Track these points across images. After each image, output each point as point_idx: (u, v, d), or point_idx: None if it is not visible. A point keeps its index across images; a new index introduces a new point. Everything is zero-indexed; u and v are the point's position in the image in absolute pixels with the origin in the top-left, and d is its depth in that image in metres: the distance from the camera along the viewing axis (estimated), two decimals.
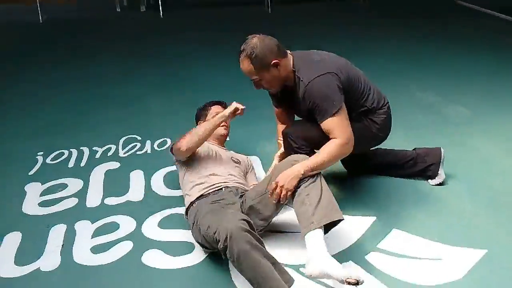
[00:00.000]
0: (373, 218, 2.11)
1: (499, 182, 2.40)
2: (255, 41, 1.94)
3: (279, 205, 1.84)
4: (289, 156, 1.97)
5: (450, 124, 3.09)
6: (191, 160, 2.09)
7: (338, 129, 1.91)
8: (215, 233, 1.60)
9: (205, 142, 2.14)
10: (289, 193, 1.76)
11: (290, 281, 1.59)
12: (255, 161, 2.56)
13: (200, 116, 2.35)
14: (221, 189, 1.99)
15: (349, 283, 1.51)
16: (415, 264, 1.85)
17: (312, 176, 1.78)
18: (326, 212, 1.69)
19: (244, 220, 1.60)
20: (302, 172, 1.77)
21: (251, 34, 2.03)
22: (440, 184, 2.36)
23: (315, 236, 1.65)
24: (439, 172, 2.35)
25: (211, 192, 1.97)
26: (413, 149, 2.46)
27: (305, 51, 2.12)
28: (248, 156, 2.41)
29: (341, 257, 1.80)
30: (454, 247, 1.92)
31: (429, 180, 2.39)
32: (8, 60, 4.74)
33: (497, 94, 3.56)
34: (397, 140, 2.85)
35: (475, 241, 1.95)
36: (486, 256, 1.86)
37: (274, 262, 1.58)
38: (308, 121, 2.05)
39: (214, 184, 2.00)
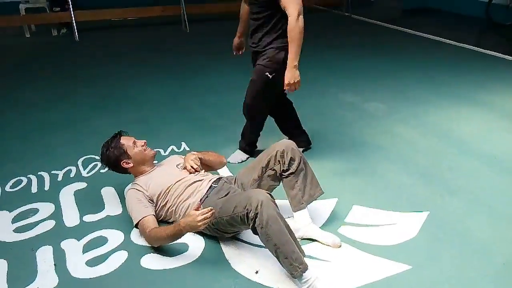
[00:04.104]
0: (335, 199, 2.44)
1: (424, 157, 2.92)
2: None
3: (271, 189, 2.19)
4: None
5: (373, 117, 3.60)
6: (162, 197, 2.15)
7: (291, 5, 2.32)
8: (245, 207, 1.79)
9: (145, 178, 2.21)
10: (297, 85, 2.48)
11: (303, 252, 1.88)
12: None
13: (119, 157, 2.21)
14: (211, 187, 2.16)
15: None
16: (377, 230, 2.21)
17: (299, 164, 2.12)
18: (311, 193, 2.13)
19: (268, 193, 1.84)
20: (295, 64, 2.42)
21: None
22: None
23: (304, 212, 2.09)
24: None
25: (206, 192, 2.13)
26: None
27: None
28: (175, 155, 2.52)
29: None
30: (404, 213, 2.34)
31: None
32: None
33: (402, 90, 4.19)
34: (337, 135, 3.28)
35: (418, 206, 2.39)
36: (429, 216, 2.30)
37: (291, 232, 1.84)
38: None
39: (202, 189, 2.16)
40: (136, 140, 2.27)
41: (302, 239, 2.09)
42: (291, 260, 1.76)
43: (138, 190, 2.15)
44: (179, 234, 1.91)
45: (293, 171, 2.12)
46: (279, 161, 2.14)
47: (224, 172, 2.71)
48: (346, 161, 2.89)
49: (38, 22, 6.74)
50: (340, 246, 2.07)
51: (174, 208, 2.14)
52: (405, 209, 2.36)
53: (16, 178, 2.66)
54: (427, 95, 4.03)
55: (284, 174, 2.14)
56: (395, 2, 8.83)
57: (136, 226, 2.08)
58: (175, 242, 1.99)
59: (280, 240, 1.76)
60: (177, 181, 2.17)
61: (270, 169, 2.18)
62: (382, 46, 5.93)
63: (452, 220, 2.28)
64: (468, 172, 2.73)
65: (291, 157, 2.12)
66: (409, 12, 8.38)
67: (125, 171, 2.28)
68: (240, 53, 2.92)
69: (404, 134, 3.27)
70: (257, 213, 1.76)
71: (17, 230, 2.20)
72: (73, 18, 6.29)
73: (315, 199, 2.18)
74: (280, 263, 1.81)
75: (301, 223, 2.11)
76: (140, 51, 5.69)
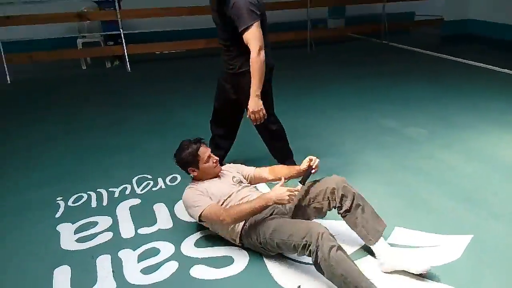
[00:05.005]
0: None
1: (467, 182, 2.92)
2: None
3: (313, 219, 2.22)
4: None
5: (415, 142, 3.62)
6: None
7: (253, 41, 2.43)
8: (303, 238, 1.88)
9: (204, 184, 2.32)
10: (261, 113, 2.56)
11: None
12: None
13: (190, 164, 2.33)
14: None
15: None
16: (420, 251, 2.23)
17: (353, 201, 2.13)
18: (376, 228, 2.13)
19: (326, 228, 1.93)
20: (257, 94, 2.51)
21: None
22: None
23: (379, 245, 2.10)
24: None
25: None
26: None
27: None
28: (231, 166, 2.57)
29: (364, 253, 2.21)
30: (447, 235, 2.35)
31: None
32: None
33: (443, 115, 4.20)
34: (378, 158, 3.33)
35: (461, 229, 2.39)
36: (473, 239, 2.30)
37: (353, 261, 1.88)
38: None
39: None
40: (211, 155, 2.36)
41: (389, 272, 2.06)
42: None
43: (198, 189, 2.26)
44: (264, 206, 2.04)
45: (347, 208, 2.13)
46: (328, 197, 2.17)
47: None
48: (387, 184, 2.93)
49: (93, 55, 7.29)
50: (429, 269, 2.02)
51: None
52: (448, 232, 2.37)
53: (77, 194, 2.90)
54: (470, 121, 4.01)
55: (340, 212, 2.16)
56: (433, 29, 8.85)
57: (200, 219, 2.18)
58: (219, 254, 2.14)
59: (346, 269, 1.80)
60: (232, 194, 2.27)
61: (317, 202, 2.21)
62: (421, 72, 5.96)
63: (497, 244, 2.27)
64: None
65: (342, 194, 2.13)
66: (448, 39, 8.36)
67: (187, 172, 2.39)
68: None
69: (447, 159, 3.28)
70: (318, 246, 1.83)
71: (79, 240, 2.40)
72: (126, 51, 6.77)
73: (382, 234, 2.13)
74: None
75: (383, 256, 2.08)
76: (187, 81, 6.02)
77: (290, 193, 2.01)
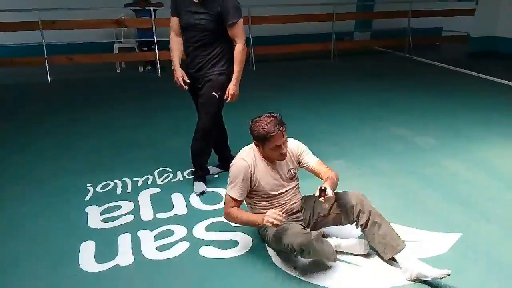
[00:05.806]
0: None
1: (466, 188, 3.07)
2: None
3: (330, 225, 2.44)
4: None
5: (422, 150, 3.79)
6: (257, 195, 2.36)
7: (240, 36, 2.84)
8: (287, 246, 2.14)
9: (261, 166, 2.31)
10: (236, 97, 2.94)
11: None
12: None
13: (256, 139, 2.26)
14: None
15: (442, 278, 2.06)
16: (408, 244, 2.36)
17: (369, 217, 2.25)
18: (393, 244, 2.23)
19: (302, 228, 2.22)
20: (239, 81, 2.92)
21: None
22: None
23: (401, 257, 2.20)
24: None
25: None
26: None
27: None
28: (294, 149, 2.41)
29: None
30: (436, 233, 2.52)
31: None
32: (37, 113, 5.17)
33: (456, 127, 4.34)
34: (384, 163, 3.52)
35: (452, 228, 2.57)
36: (462, 237, 2.48)
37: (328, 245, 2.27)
38: None
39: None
40: (281, 146, 2.24)
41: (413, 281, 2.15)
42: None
43: (250, 171, 2.26)
44: (255, 223, 2.23)
45: (363, 223, 2.26)
46: (347, 211, 2.30)
47: None
48: (389, 186, 3.12)
49: (128, 59, 7.78)
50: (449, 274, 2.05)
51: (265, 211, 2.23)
52: (438, 230, 2.55)
53: (105, 182, 3.24)
54: (481, 133, 4.13)
55: (357, 226, 2.31)
56: (461, 45, 8.89)
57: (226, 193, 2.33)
58: (226, 238, 2.42)
59: (321, 255, 2.21)
60: (280, 194, 2.37)
61: (336, 214, 2.35)
62: (441, 86, 6.08)
63: (484, 243, 2.43)
64: (510, 203, 2.84)
65: (359, 210, 2.27)
66: (474, 55, 8.38)
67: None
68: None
69: (450, 166, 3.43)
70: (304, 253, 2.13)
71: (104, 220, 2.72)
72: (157, 57, 7.19)
73: (399, 251, 2.20)
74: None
75: (405, 264, 2.18)
76: None
77: (277, 220, 2.08)
